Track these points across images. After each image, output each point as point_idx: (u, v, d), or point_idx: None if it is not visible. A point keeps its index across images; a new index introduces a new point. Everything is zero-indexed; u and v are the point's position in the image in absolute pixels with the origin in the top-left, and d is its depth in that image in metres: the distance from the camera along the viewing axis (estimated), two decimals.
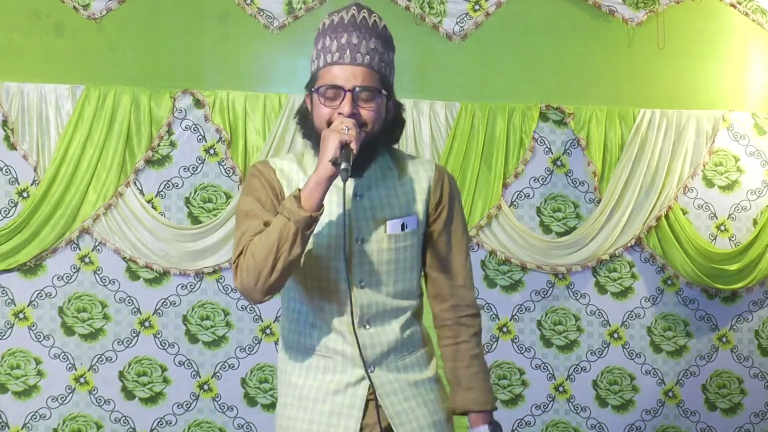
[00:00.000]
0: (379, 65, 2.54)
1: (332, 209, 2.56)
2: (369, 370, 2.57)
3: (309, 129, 2.60)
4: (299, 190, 2.44)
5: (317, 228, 2.52)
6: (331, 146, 2.39)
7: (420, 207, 2.66)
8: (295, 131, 5.27)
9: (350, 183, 2.53)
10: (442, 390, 2.73)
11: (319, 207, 2.42)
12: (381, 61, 2.54)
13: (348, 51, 2.51)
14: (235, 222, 2.62)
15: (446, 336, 2.72)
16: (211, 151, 5.35)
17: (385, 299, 2.60)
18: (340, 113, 2.48)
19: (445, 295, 2.72)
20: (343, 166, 2.36)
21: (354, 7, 2.57)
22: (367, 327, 2.58)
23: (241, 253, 2.49)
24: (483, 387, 2.70)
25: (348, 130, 2.42)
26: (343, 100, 2.48)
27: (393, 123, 2.64)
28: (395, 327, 2.61)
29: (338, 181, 2.44)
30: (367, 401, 2.58)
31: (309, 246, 2.54)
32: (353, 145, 2.40)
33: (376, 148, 2.58)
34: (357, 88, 2.49)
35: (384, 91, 2.54)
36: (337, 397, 2.57)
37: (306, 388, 2.61)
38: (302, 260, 2.52)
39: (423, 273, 2.75)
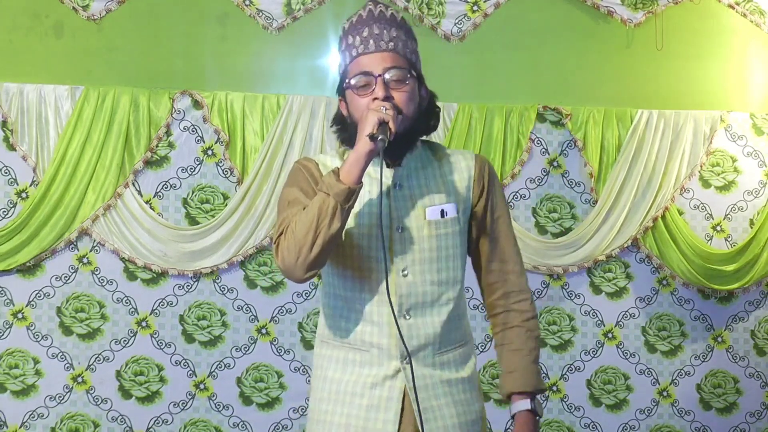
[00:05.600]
0: (404, 51, 2.58)
1: (371, 199, 2.60)
2: (405, 362, 2.56)
3: (349, 133, 2.64)
4: (338, 168, 2.48)
5: (357, 218, 2.57)
6: (369, 122, 2.43)
7: (461, 196, 2.68)
8: (293, 132, 5.31)
9: (390, 173, 2.61)
10: (475, 391, 2.71)
11: (359, 181, 2.45)
12: (405, 48, 2.59)
13: (372, 41, 2.56)
14: (278, 210, 2.66)
15: (498, 323, 2.73)
16: (209, 152, 5.37)
17: (426, 288, 2.60)
18: (375, 98, 2.51)
19: (496, 284, 2.72)
20: (380, 137, 2.41)
21: (370, 3, 2.63)
22: (407, 317, 2.58)
23: (281, 233, 2.52)
24: (526, 369, 2.67)
25: (386, 110, 2.46)
26: (375, 86, 2.53)
27: (427, 111, 2.68)
28: (435, 320, 2.61)
29: (375, 172, 2.53)
30: (405, 394, 2.59)
31: (349, 235, 2.58)
32: (391, 124, 2.44)
33: (413, 136, 2.63)
34: (387, 72, 2.53)
35: (414, 72, 2.58)
36: (375, 391, 2.58)
37: (343, 382, 2.61)
38: (343, 250, 2.58)
39: (475, 265, 2.76)
